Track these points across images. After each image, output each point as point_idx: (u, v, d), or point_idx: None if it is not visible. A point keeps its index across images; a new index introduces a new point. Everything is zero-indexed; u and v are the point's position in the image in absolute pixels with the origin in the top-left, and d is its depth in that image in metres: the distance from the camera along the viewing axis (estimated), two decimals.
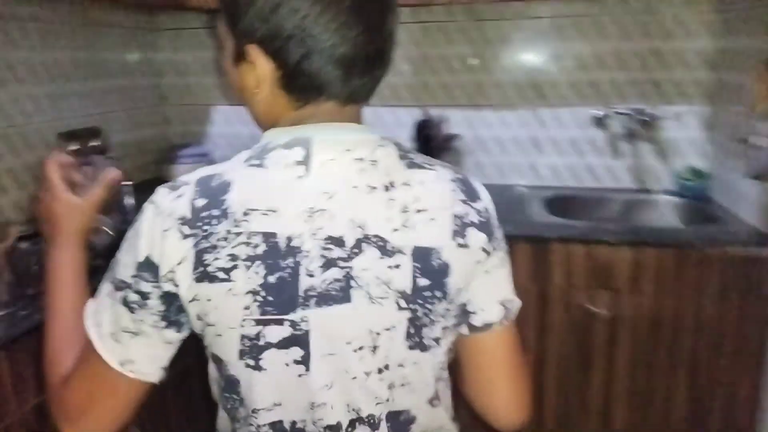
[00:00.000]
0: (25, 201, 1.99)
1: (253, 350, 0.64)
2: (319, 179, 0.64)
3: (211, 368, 0.71)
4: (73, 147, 1.76)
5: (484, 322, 0.75)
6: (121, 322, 0.64)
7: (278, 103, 0.68)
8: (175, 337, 0.68)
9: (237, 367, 0.66)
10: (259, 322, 0.63)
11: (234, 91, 0.73)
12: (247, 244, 0.61)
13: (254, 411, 0.67)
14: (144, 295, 0.63)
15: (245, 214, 0.61)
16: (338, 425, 0.67)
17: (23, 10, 1.95)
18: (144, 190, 1.79)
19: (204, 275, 0.61)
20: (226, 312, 0.63)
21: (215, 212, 0.62)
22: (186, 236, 0.61)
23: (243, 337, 0.64)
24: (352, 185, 0.65)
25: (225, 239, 0.61)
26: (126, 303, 0.64)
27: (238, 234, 0.61)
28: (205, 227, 0.61)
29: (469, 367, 0.79)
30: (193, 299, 0.63)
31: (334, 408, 0.67)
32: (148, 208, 0.65)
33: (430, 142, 2.29)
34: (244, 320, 0.63)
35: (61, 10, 2.10)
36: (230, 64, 0.70)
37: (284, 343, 0.64)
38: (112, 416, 0.68)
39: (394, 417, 0.69)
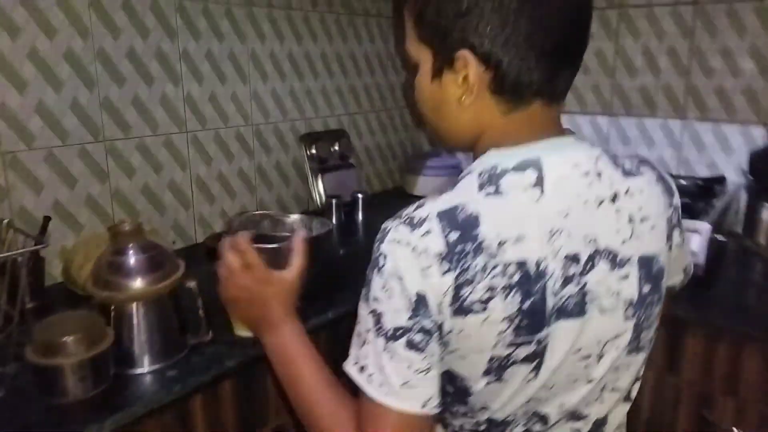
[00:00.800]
0: (256, 202, 1.80)
1: (499, 368, 0.66)
2: (554, 199, 0.65)
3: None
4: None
5: (666, 288, 0.77)
6: (414, 366, 0.64)
7: (486, 110, 0.69)
8: None
9: (477, 382, 0.68)
10: (511, 344, 0.65)
11: (427, 110, 0.74)
12: (503, 274, 0.63)
13: (481, 409, 0.70)
14: (428, 332, 0.64)
15: (499, 245, 0.62)
16: (545, 417, 0.71)
17: None
18: (376, 205, 1.58)
19: (460, 309, 0.63)
20: (477, 339, 0.64)
21: (469, 246, 0.62)
22: (445, 272, 0.62)
23: (492, 358, 0.66)
24: (583, 200, 0.67)
25: (483, 271, 0.62)
26: (413, 346, 0.64)
27: (495, 266, 0.62)
28: (462, 261, 0.62)
29: None
30: (449, 332, 0.65)
31: (550, 407, 0.71)
32: (396, 248, 0.64)
33: None
34: (496, 344, 0.65)
35: None
36: (427, 80, 0.71)
37: (528, 359, 0.66)
38: None
39: (600, 418, 0.75)
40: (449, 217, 0.63)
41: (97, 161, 1.40)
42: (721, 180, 1.77)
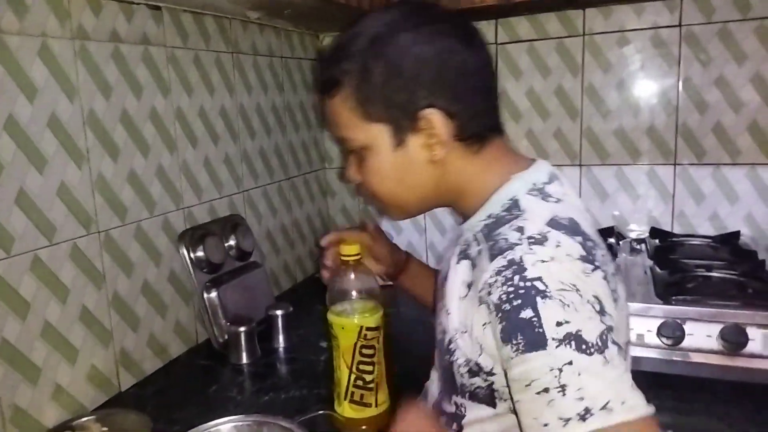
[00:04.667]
0: (114, 357, 1.08)
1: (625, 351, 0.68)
2: (577, 201, 0.73)
3: None
4: None
5: None
6: (623, 364, 0.60)
7: (459, 158, 0.72)
8: None
9: None
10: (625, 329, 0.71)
11: (389, 187, 0.74)
12: (608, 262, 0.66)
13: None
14: (611, 328, 0.61)
15: (594, 239, 0.66)
16: None
17: None
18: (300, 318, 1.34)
19: (613, 300, 0.64)
20: (620, 327, 0.64)
21: (590, 243, 0.64)
22: (593, 269, 0.62)
23: (626, 342, 0.70)
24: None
25: (605, 263, 0.64)
26: (615, 343, 0.60)
27: (604, 255, 0.65)
28: (594, 256, 0.63)
29: None
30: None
31: None
32: (546, 267, 0.61)
33: None
34: (624, 328, 0.68)
35: None
36: (387, 155, 0.72)
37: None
38: None
39: None
40: (559, 225, 0.64)
41: None
42: (736, 235, 1.43)
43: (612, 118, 1.56)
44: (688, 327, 1.05)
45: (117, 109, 1.09)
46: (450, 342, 0.69)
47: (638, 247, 1.43)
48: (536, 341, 0.57)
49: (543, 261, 0.60)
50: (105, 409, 1.04)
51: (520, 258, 0.61)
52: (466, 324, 0.67)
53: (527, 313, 0.58)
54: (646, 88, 1.52)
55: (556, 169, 0.74)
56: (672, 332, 1.05)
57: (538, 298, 0.58)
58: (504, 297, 0.60)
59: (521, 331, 0.58)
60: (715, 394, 1.04)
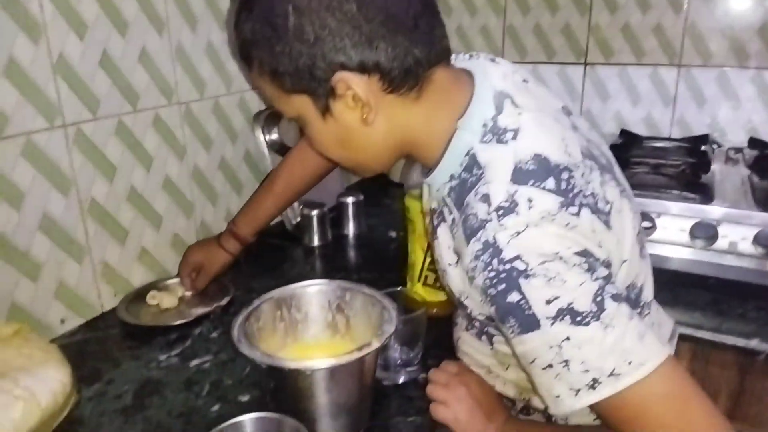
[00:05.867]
0: (194, 227, 1.12)
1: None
2: (535, 102, 0.65)
3: None
4: None
5: None
6: (632, 324, 0.57)
7: (397, 111, 0.63)
8: None
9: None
10: None
11: (337, 153, 0.68)
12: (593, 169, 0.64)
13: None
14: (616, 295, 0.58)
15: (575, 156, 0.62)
16: None
17: None
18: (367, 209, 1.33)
19: (607, 224, 0.62)
20: (625, 234, 0.65)
21: (564, 175, 0.59)
22: (575, 214, 0.58)
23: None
24: (545, 94, 0.70)
25: (589, 179, 0.61)
26: (618, 309, 0.56)
27: (586, 167, 0.62)
28: (573, 193, 0.59)
29: None
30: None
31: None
32: (522, 238, 0.56)
33: None
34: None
35: None
36: (319, 124, 0.64)
37: None
38: None
39: None
40: (525, 175, 0.57)
41: None
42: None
43: (719, 15, 1.40)
44: None
45: None
46: (459, 297, 0.66)
47: (735, 156, 1.33)
48: (529, 323, 0.55)
49: (518, 233, 0.55)
50: None
51: (494, 238, 0.56)
52: (466, 291, 0.64)
53: (514, 297, 0.55)
54: None
55: (501, 79, 0.64)
56: None
57: (521, 279, 0.54)
58: (488, 282, 0.56)
59: (512, 314, 0.56)
60: None
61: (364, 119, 0.61)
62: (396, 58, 0.59)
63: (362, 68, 0.58)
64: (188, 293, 1.01)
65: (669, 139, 1.49)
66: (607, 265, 0.58)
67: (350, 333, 0.76)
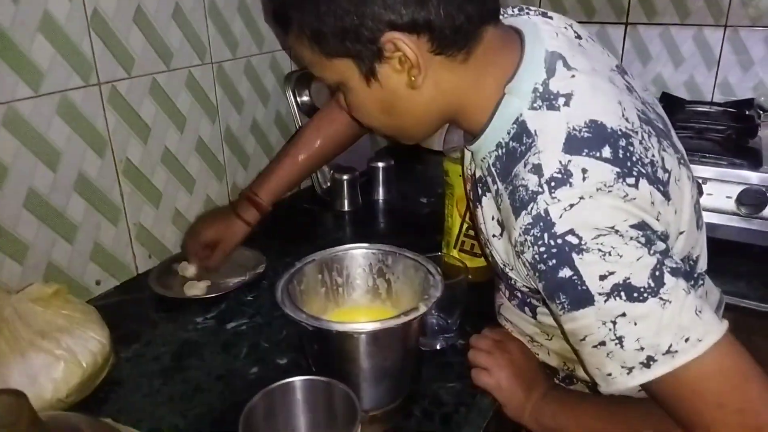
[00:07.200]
0: (227, 190, 1.11)
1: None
2: (589, 63, 0.61)
3: None
4: None
5: None
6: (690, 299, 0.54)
7: (445, 73, 0.60)
8: None
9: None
10: None
11: (379, 120, 0.65)
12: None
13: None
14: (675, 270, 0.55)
15: (634, 121, 0.60)
16: None
17: None
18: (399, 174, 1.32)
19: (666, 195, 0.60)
20: (683, 204, 0.63)
21: (621, 143, 0.56)
22: (633, 185, 0.54)
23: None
24: (600, 51, 0.68)
25: (647, 146, 0.58)
26: (677, 284, 0.54)
27: (645, 133, 0.59)
28: (633, 159, 0.56)
29: None
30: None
31: None
32: (576, 212, 0.54)
33: None
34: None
35: None
36: (363, 89, 0.61)
37: None
38: None
39: None
40: (579, 144, 0.54)
41: None
42: None
43: None
44: None
45: None
46: (503, 268, 0.64)
47: None
48: (582, 299, 0.53)
49: (571, 206, 0.52)
50: None
51: (546, 211, 0.53)
52: (510, 263, 0.61)
53: (566, 272, 0.53)
54: None
55: (553, 38, 0.60)
56: None
57: (574, 254, 0.52)
58: (537, 257, 0.53)
59: (563, 290, 0.53)
60: None
61: (411, 83, 0.58)
62: (448, 15, 0.55)
63: (412, 27, 0.55)
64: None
65: (712, 103, 1.43)
66: (665, 237, 0.55)
67: (391, 298, 0.75)
